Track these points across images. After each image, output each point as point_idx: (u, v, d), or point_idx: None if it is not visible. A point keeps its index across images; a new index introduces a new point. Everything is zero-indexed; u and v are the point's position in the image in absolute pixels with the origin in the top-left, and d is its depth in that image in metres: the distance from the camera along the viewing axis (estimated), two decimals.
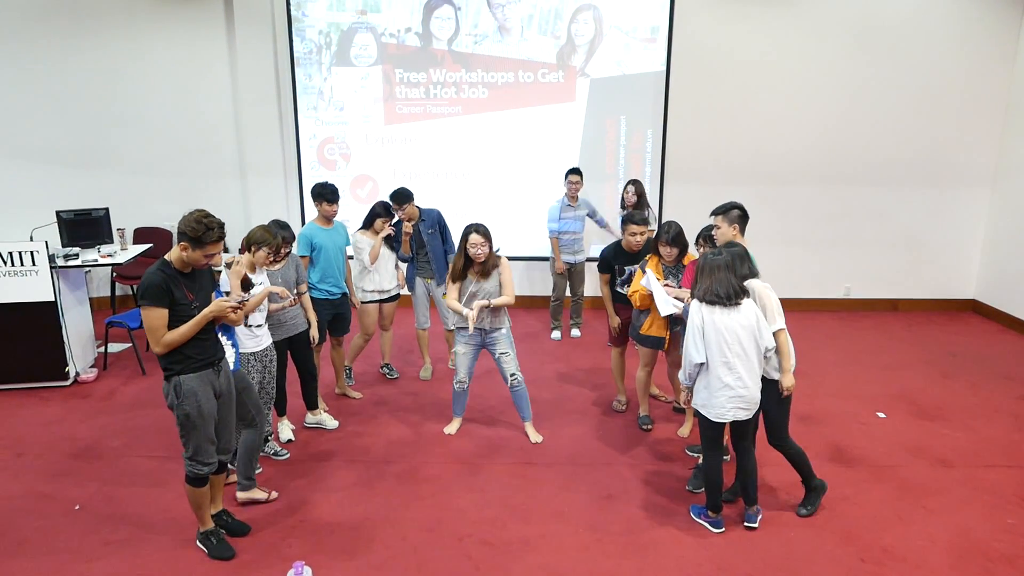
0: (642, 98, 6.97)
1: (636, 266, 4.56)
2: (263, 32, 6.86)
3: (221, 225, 2.96)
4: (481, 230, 4.16)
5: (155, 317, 2.90)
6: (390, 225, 5.04)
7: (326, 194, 4.67)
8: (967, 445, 4.45)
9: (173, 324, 2.95)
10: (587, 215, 6.35)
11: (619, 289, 4.67)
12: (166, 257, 2.99)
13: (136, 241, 6.89)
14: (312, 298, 4.65)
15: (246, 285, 3.50)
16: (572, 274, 6.39)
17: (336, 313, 4.81)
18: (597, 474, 4.05)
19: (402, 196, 5.11)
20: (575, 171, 6.19)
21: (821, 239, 7.25)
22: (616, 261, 4.64)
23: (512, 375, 4.33)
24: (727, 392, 3.30)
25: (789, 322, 3.57)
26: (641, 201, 6.21)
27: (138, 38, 6.83)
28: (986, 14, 6.67)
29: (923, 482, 3.99)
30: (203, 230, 2.90)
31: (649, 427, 4.62)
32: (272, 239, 3.81)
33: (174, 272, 2.97)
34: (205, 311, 3.03)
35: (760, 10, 6.71)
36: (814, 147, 7.02)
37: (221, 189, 7.22)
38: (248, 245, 3.78)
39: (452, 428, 4.55)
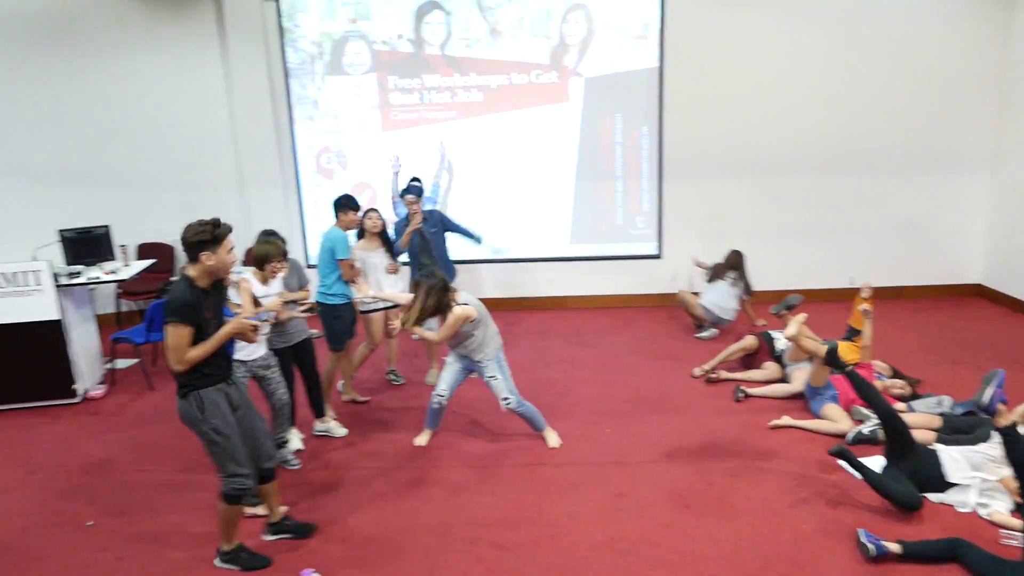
0: (637, 95, 6.96)
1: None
2: (255, 44, 6.87)
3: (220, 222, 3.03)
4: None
5: (182, 335, 2.90)
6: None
7: (352, 204, 4.73)
8: None
9: (195, 342, 2.96)
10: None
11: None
12: (188, 274, 2.98)
13: (140, 257, 6.91)
14: (334, 306, 4.68)
15: (255, 302, 3.54)
16: None
17: (354, 317, 4.85)
18: (607, 473, 4.06)
19: (420, 189, 5.26)
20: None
21: (823, 229, 7.24)
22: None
23: (504, 399, 4.25)
24: None
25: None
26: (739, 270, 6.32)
27: (133, 55, 6.86)
28: None
29: None
30: (212, 228, 2.95)
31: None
32: (278, 248, 3.86)
33: (199, 290, 2.99)
34: (227, 329, 3.05)
35: (750, 3, 6.71)
36: (812, 137, 7.01)
37: (221, 202, 7.22)
38: (259, 261, 3.83)
39: (422, 439, 4.47)
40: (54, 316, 5.11)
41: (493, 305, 4.69)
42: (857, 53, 6.80)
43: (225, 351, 3.19)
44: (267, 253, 3.84)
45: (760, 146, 7.03)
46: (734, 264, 6.37)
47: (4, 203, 6.72)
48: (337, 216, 4.70)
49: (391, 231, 5.30)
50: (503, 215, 7.22)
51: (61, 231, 5.68)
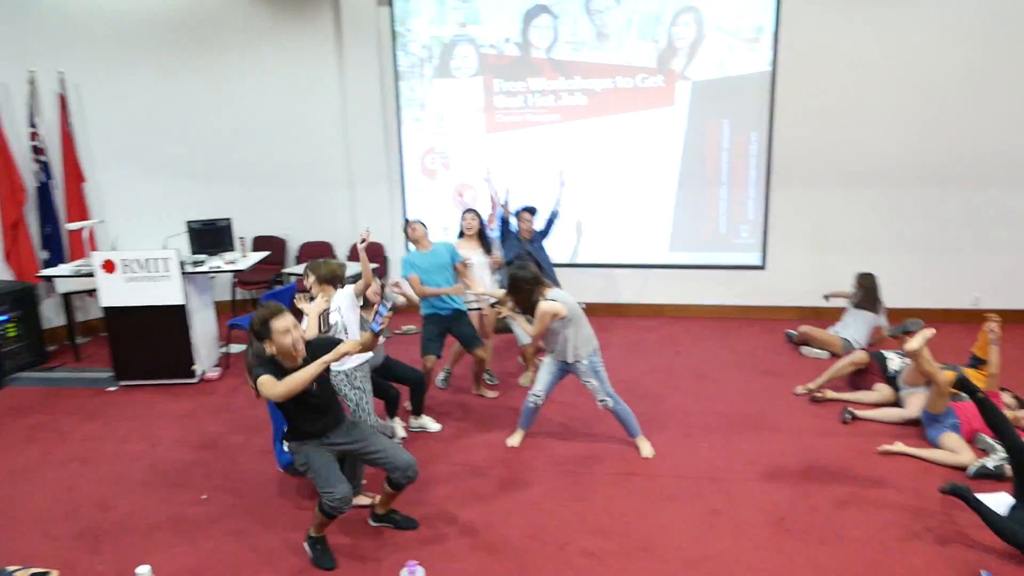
0: (746, 100, 6.74)
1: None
2: (369, 48, 7.15)
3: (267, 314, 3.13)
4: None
5: (266, 380, 3.02)
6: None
7: (409, 221, 4.97)
8: None
9: (301, 404, 3.16)
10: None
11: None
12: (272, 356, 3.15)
13: (255, 248, 7.34)
14: (424, 315, 4.89)
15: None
16: None
17: (448, 328, 4.92)
18: (702, 488, 3.95)
19: (535, 208, 5.67)
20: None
21: (945, 245, 6.74)
22: None
23: (601, 400, 4.26)
24: None
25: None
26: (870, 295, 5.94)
27: (257, 57, 7.29)
28: None
29: None
30: (260, 321, 3.12)
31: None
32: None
33: (281, 368, 3.12)
34: (328, 356, 3.03)
35: (873, 3, 6.34)
36: (935, 147, 6.54)
37: (330, 199, 7.59)
38: (335, 282, 3.99)
39: (515, 440, 4.50)
40: (179, 301, 5.51)
41: (590, 310, 4.68)
42: (991, 56, 6.28)
43: (319, 409, 3.26)
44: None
45: (878, 155, 6.64)
46: (875, 290, 5.92)
47: (140, 195, 7.30)
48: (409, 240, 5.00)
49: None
50: (603, 219, 7.17)
51: (188, 222, 6.12)
